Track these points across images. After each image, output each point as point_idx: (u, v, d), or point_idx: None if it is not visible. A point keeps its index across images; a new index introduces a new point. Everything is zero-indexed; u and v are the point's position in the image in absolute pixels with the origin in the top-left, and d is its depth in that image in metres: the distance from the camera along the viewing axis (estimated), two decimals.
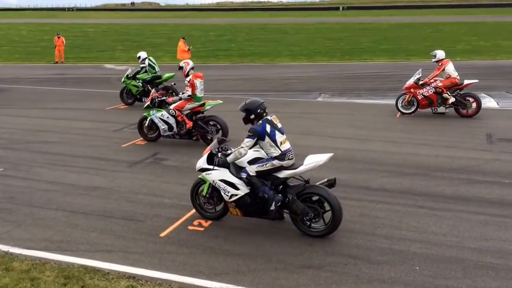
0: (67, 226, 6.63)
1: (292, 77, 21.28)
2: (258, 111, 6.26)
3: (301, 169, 6.20)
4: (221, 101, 10.91)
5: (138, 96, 15.08)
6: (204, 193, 6.66)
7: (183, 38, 25.81)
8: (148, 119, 10.77)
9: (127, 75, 15.11)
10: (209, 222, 6.69)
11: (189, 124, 10.48)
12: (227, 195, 6.38)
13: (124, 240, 6.22)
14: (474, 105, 12.73)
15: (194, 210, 6.87)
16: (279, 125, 6.35)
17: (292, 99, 16.38)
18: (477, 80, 13.28)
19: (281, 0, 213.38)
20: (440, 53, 13.08)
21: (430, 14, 69.62)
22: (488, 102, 14.91)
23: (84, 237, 6.30)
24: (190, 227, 6.55)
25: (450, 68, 12.87)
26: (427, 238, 6.19)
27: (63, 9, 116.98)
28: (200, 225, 6.62)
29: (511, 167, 8.88)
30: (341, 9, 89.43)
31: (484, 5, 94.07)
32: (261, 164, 6.24)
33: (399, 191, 7.79)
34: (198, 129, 10.58)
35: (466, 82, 12.84)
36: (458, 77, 12.84)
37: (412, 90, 13.01)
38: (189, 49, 25.04)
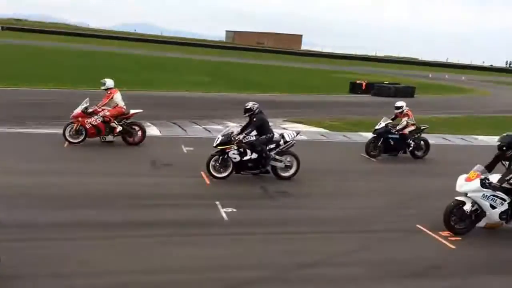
0: None
1: None
2: None
3: None
4: None
5: None
6: None
7: None
8: None
9: None
10: None
11: None
12: None
13: None
14: (139, 133, 13.47)
15: None
16: None
17: None
18: (141, 110, 14.04)
19: None
20: (109, 82, 13.33)
21: (95, 42, 70.73)
22: (152, 130, 15.99)
23: None
24: None
25: (118, 98, 13.28)
26: (93, 270, 6.09)
27: None
28: None
29: (174, 189, 9.75)
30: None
31: (147, 40, 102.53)
32: None
33: (70, 224, 7.44)
34: None
35: (132, 111, 13.46)
36: (124, 107, 13.36)
37: (80, 119, 12.77)
38: None
